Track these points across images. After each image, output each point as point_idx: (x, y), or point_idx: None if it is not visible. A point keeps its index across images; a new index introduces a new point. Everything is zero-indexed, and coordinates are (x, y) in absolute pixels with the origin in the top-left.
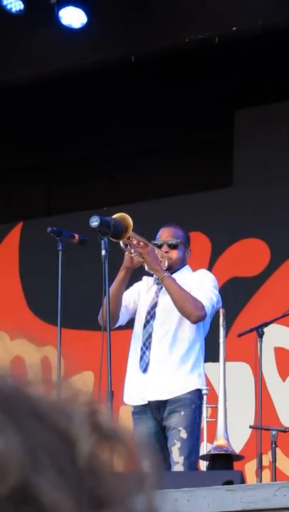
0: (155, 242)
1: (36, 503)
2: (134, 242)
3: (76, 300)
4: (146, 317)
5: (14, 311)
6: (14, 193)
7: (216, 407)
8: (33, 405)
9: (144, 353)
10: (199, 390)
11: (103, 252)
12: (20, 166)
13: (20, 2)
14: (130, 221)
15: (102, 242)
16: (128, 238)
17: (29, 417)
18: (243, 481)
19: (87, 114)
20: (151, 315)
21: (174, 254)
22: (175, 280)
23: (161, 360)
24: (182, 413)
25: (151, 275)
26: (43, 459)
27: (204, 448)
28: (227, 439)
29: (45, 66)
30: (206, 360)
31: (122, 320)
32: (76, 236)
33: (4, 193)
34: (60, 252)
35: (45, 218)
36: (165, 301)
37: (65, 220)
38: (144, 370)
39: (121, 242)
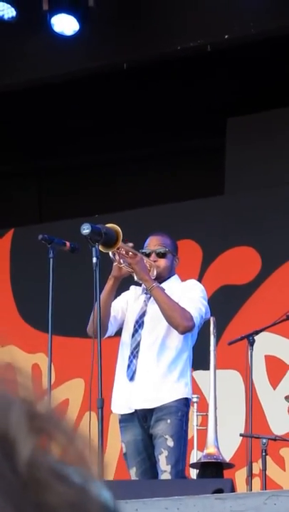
0: (143, 251)
1: None
2: (123, 252)
3: (67, 307)
4: (134, 326)
5: (5, 318)
6: (5, 200)
7: (207, 415)
8: None
9: (131, 361)
10: (186, 399)
11: (94, 260)
12: (12, 173)
13: (13, 9)
14: (120, 232)
15: (94, 249)
16: (117, 248)
17: None
18: (233, 489)
19: (78, 121)
20: (139, 324)
21: (163, 262)
22: (164, 290)
23: (148, 369)
24: (169, 421)
25: (140, 285)
26: None
27: (194, 456)
28: (217, 447)
29: (36, 73)
30: (196, 368)
31: (111, 330)
32: (67, 243)
33: None
34: (51, 260)
35: (37, 225)
36: (153, 310)
37: (56, 227)
38: (131, 379)
39: (110, 253)
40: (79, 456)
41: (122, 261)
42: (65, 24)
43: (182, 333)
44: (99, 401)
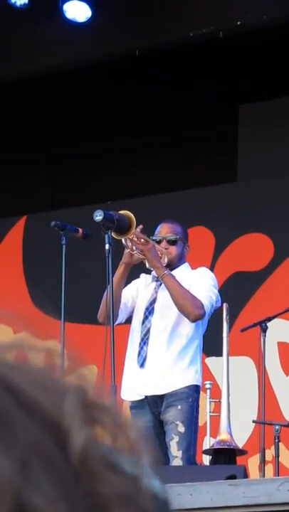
0: (154, 238)
1: None
2: (135, 238)
3: (79, 294)
4: (144, 313)
5: (18, 304)
6: (18, 187)
7: (219, 401)
8: (17, 388)
9: (141, 348)
10: (196, 386)
11: (107, 246)
12: (24, 160)
13: None
14: (134, 219)
15: (106, 236)
16: (130, 235)
17: (15, 408)
18: (246, 475)
19: (91, 109)
20: (149, 311)
21: (174, 250)
22: (175, 278)
23: (159, 355)
24: (179, 407)
25: (150, 272)
26: (35, 468)
27: (207, 442)
28: (230, 434)
29: (49, 60)
30: (209, 355)
31: (122, 317)
32: (80, 230)
33: (8, 187)
34: (64, 246)
35: (49, 212)
36: (164, 297)
37: (68, 214)
38: (142, 365)
39: (122, 239)
40: (131, 446)
41: (134, 248)
42: (77, 11)
43: (193, 321)
44: (112, 388)
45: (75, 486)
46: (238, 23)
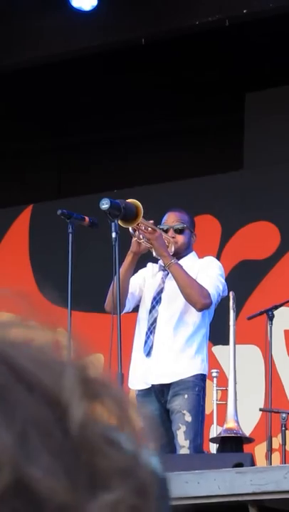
0: (161, 227)
1: (29, 494)
2: (143, 227)
3: (86, 282)
4: (151, 302)
5: (24, 293)
6: (24, 175)
7: (226, 389)
8: (17, 365)
9: (148, 337)
10: (203, 375)
11: (113, 235)
12: (31, 149)
13: None
14: (141, 208)
15: (113, 224)
16: (137, 224)
17: (14, 383)
18: (253, 463)
19: (97, 97)
20: (156, 300)
21: (181, 239)
22: (182, 267)
23: (165, 344)
24: (186, 396)
25: (157, 262)
26: (34, 441)
27: (214, 430)
28: (237, 422)
29: (55, 49)
30: (216, 343)
31: (128, 307)
32: (86, 218)
33: (14, 176)
34: (71, 235)
35: (56, 201)
36: (171, 286)
37: (75, 202)
38: (148, 354)
39: (130, 228)
40: (130, 423)
41: (141, 236)
42: None
43: (199, 310)
44: (118, 376)
45: (74, 458)
46: (245, 11)
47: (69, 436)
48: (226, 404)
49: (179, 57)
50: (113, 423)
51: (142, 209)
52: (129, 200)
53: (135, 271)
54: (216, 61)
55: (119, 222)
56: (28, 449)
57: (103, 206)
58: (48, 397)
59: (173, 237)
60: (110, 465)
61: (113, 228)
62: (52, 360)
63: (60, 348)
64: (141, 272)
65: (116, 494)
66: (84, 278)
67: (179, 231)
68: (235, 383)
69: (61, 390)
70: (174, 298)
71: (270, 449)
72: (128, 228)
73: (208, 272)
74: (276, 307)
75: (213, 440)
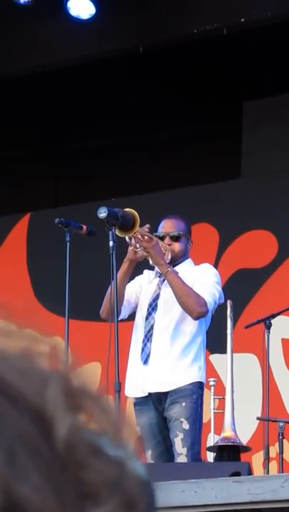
0: (157, 234)
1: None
2: (139, 236)
3: (83, 291)
4: (148, 309)
5: (22, 301)
6: (22, 184)
7: (224, 398)
8: (0, 378)
9: (145, 344)
10: (200, 382)
11: (111, 243)
12: (28, 157)
13: None
14: (138, 217)
15: (110, 233)
16: (133, 233)
17: None
18: (250, 472)
19: (95, 105)
20: (152, 307)
21: (177, 246)
22: (179, 275)
23: (163, 352)
24: (184, 404)
25: (153, 269)
26: (22, 458)
27: (211, 439)
28: (234, 431)
29: (53, 57)
30: (213, 352)
31: (124, 314)
32: (84, 227)
33: (12, 184)
34: (68, 243)
35: (53, 209)
36: (167, 293)
37: (72, 210)
38: (145, 362)
39: (126, 237)
40: (115, 430)
41: (137, 245)
42: (81, 8)
43: (196, 318)
44: (116, 384)
45: (62, 475)
46: (242, 19)
47: (56, 452)
48: (223, 412)
49: (177, 65)
50: (98, 431)
51: (139, 218)
52: (126, 210)
53: (132, 278)
54: (213, 70)
55: (117, 231)
56: (17, 468)
57: (101, 215)
58: (32, 411)
59: (169, 244)
60: (98, 479)
61: (110, 237)
62: (34, 371)
63: (44, 357)
64: (137, 278)
65: (105, 509)
66: (81, 286)
67: (176, 238)
68: (232, 392)
69: (45, 403)
70: (170, 306)
71: (267, 458)
72: (125, 237)
73: (205, 280)
74: (274, 316)
75: (210, 449)
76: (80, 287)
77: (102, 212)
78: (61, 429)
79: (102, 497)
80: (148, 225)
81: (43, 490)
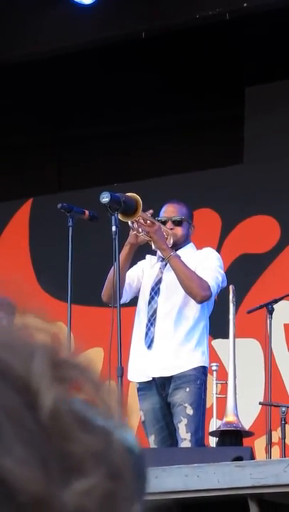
0: (159, 219)
1: (3, 485)
2: (142, 220)
3: (86, 276)
4: (150, 293)
5: (24, 287)
6: (24, 169)
7: (226, 383)
8: None
9: (148, 329)
10: (204, 367)
11: (113, 228)
12: (31, 143)
13: None
14: (140, 202)
15: (113, 218)
16: (136, 217)
17: None
18: (252, 457)
19: (97, 91)
20: (155, 291)
21: (179, 230)
22: (181, 260)
23: (166, 337)
24: (187, 389)
25: (155, 253)
26: (6, 431)
27: (214, 424)
28: (237, 416)
29: (55, 43)
30: (215, 337)
31: (126, 297)
32: (86, 212)
33: (14, 170)
34: (71, 228)
35: (56, 194)
36: (169, 277)
37: (75, 196)
38: (149, 346)
39: (129, 222)
40: (103, 402)
41: (140, 229)
42: None
43: (199, 302)
44: (118, 369)
45: (46, 447)
46: (245, 4)
47: (40, 423)
48: (226, 397)
49: (179, 51)
50: (86, 401)
51: (141, 203)
52: (128, 194)
53: (134, 262)
54: (216, 55)
55: (119, 216)
56: (1, 440)
57: (103, 200)
58: (17, 383)
59: (171, 229)
60: (83, 451)
61: (113, 222)
62: (20, 344)
63: (31, 331)
64: (140, 263)
65: (89, 480)
66: (84, 272)
67: (178, 223)
68: (234, 377)
69: (30, 375)
70: (173, 290)
71: (269, 443)
72: (127, 222)
73: (207, 264)
74: (276, 301)
75: (212, 434)
76: (82, 272)
77: (105, 197)
78: (46, 400)
79: (87, 468)
80: (151, 211)
81: (28, 462)
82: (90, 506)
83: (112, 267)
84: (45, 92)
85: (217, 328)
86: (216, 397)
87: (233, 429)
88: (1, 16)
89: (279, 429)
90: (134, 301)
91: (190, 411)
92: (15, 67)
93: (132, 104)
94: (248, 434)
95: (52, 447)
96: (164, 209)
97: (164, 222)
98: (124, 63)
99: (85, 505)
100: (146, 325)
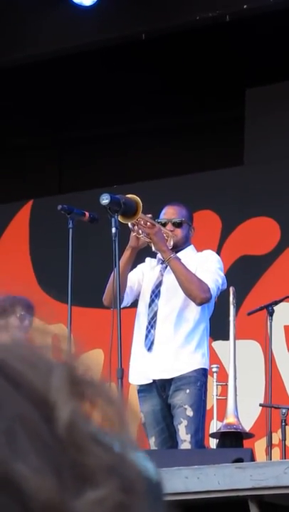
0: (159, 221)
1: (16, 491)
2: (142, 222)
3: (86, 278)
4: (150, 296)
5: (24, 288)
6: (25, 171)
7: (226, 385)
8: (6, 365)
9: (149, 331)
10: (204, 369)
11: (113, 230)
12: (31, 145)
13: None
14: (140, 203)
15: (113, 219)
16: (136, 219)
17: (3, 382)
18: (252, 458)
19: (98, 93)
20: (155, 294)
21: (179, 232)
22: (181, 261)
23: (166, 339)
24: (187, 391)
25: (155, 256)
26: (22, 439)
27: (214, 426)
28: (237, 417)
29: (55, 44)
30: (216, 338)
31: (127, 301)
32: (86, 214)
33: (15, 171)
34: (71, 230)
35: (56, 196)
36: (170, 280)
37: (75, 197)
38: (149, 349)
39: (129, 223)
40: (119, 423)
41: (140, 231)
42: None
43: (199, 304)
44: (119, 371)
45: (61, 457)
46: (245, 6)
47: (56, 435)
48: (226, 399)
49: (179, 52)
50: (102, 423)
51: (142, 204)
52: (128, 196)
53: (134, 266)
54: (216, 57)
55: (119, 217)
56: (16, 448)
57: (103, 201)
58: (35, 396)
59: (171, 231)
60: (96, 463)
61: (113, 223)
62: (41, 361)
63: (50, 348)
64: (139, 266)
65: (102, 491)
66: (84, 273)
67: (178, 224)
68: (235, 378)
69: (49, 390)
70: (173, 292)
71: (270, 445)
72: (127, 223)
73: (207, 266)
74: (276, 303)
75: (213, 435)
76: (82, 274)
77: (105, 199)
78: (63, 413)
79: (99, 480)
80: (150, 215)
81: (41, 469)
82: None
83: (113, 272)
84: (45, 94)
85: (217, 329)
86: (217, 399)
87: (233, 430)
88: (1, 18)
89: (279, 430)
90: (134, 303)
91: (190, 413)
92: (15, 69)
93: (132, 105)
94: (249, 435)
95: (66, 458)
96: (164, 211)
97: (164, 224)
98: (124, 65)
99: None
100: (147, 327)
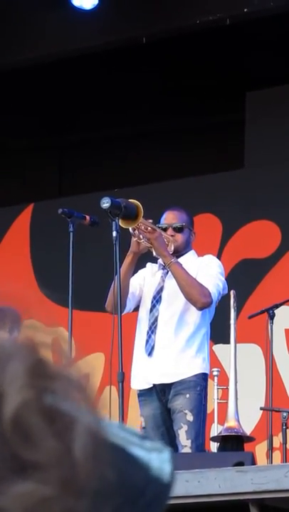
0: (160, 226)
1: None
2: (143, 227)
3: (87, 281)
4: (152, 301)
5: (25, 292)
6: (25, 174)
7: (227, 388)
8: None
9: (149, 336)
10: (204, 374)
11: (114, 234)
12: (32, 148)
13: None
14: (141, 208)
15: (113, 223)
16: (137, 224)
17: None
18: (253, 462)
19: (98, 96)
20: (157, 299)
21: (180, 237)
22: (182, 266)
23: (167, 344)
24: (188, 395)
25: (156, 261)
26: None
27: (215, 429)
28: (238, 421)
29: (56, 47)
30: (216, 342)
31: (129, 307)
32: (87, 217)
33: (16, 175)
34: (71, 234)
35: (57, 199)
36: (171, 285)
37: (76, 201)
38: (150, 354)
39: (130, 228)
40: (82, 399)
41: (141, 236)
42: None
43: (200, 309)
44: (119, 375)
45: (1, 449)
46: (245, 10)
47: (1, 425)
48: (227, 403)
49: (180, 55)
50: (64, 398)
51: (142, 209)
52: (129, 200)
53: (135, 271)
54: (216, 60)
55: (120, 222)
56: None
57: (104, 205)
58: None
59: (172, 236)
60: (38, 457)
61: (114, 227)
62: (2, 354)
63: (9, 336)
64: (141, 272)
65: (28, 486)
66: (85, 277)
67: (178, 229)
68: (236, 382)
69: (3, 379)
70: (174, 297)
71: (270, 448)
72: (128, 228)
73: (208, 271)
74: (277, 306)
75: (213, 439)
76: (83, 278)
77: (105, 203)
78: (9, 406)
79: (34, 474)
80: (151, 220)
81: None
82: (13, 510)
83: (114, 279)
84: (46, 97)
85: (218, 333)
86: (217, 403)
87: (234, 434)
88: (2, 21)
89: (280, 434)
90: (136, 309)
91: (190, 417)
92: (16, 71)
93: (133, 108)
94: (249, 439)
95: (7, 450)
96: (164, 216)
97: (165, 229)
98: (124, 68)
99: (9, 509)
100: (147, 332)
